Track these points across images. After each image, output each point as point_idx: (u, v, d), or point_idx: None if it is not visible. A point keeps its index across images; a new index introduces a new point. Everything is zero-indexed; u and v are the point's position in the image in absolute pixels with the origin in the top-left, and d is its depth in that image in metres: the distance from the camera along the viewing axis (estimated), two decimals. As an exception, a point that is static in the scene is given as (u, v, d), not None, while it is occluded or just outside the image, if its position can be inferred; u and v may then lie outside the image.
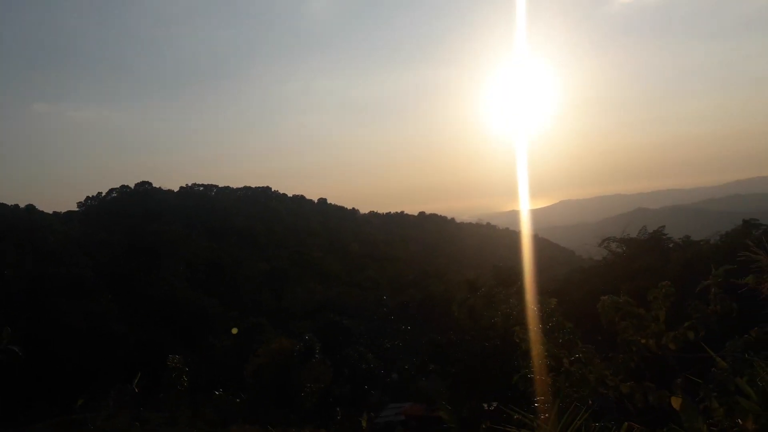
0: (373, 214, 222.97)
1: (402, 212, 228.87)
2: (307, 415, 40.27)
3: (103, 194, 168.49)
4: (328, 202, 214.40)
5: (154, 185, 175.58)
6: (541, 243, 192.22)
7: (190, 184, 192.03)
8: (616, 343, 2.36)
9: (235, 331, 56.55)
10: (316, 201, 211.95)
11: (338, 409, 43.63)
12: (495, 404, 25.04)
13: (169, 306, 65.42)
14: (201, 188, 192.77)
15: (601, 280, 44.14)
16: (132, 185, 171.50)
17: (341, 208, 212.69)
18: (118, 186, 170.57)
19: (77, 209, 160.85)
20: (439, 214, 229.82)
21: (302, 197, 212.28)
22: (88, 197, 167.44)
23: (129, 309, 62.29)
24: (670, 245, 44.65)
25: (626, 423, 2.30)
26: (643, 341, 2.22)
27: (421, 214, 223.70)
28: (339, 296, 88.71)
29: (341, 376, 49.40)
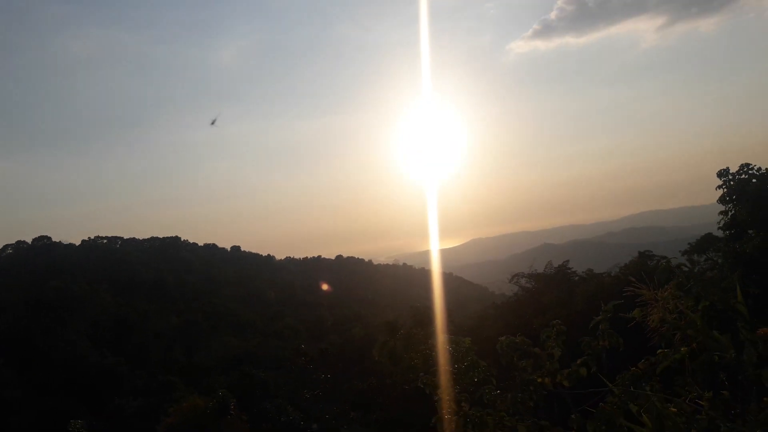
0: (289, 260, 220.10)
1: (319, 256, 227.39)
2: (225, 475, 38.17)
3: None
4: (242, 249, 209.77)
5: (53, 239, 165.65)
6: (455, 281, 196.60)
7: (93, 237, 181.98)
8: (515, 382, 2.42)
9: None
10: (229, 249, 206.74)
11: (258, 465, 41.70)
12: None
13: (72, 368, 60.73)
14: (105, 241, 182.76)
15: (514, 315, 45.62)
16: (29, 240, 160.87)
17: (256, 255, 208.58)
18: (14, 242, 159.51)
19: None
20: (356, 257, 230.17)
21: (214, 246, 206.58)
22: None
23: (28, 373, 57.23)
24: (575, 278, 46.92)
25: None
26: (539, 380, 2.29)
27: (339, 257, 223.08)
28: (256, 347, 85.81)
29: (259, 431, 47.41)
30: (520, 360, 2.36)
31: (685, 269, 2.61)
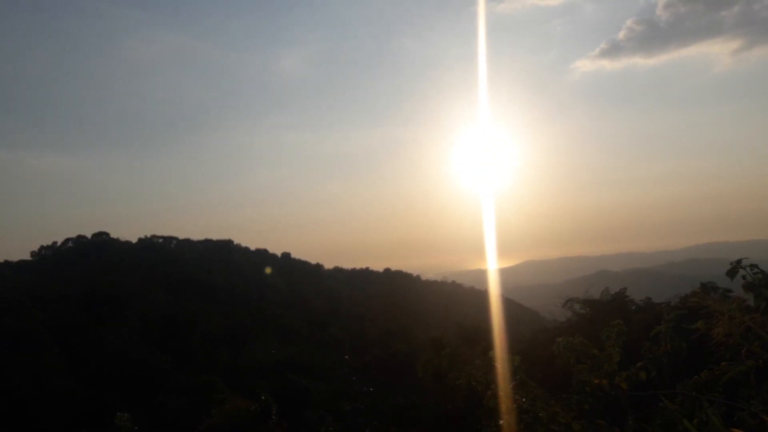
0: (337, 270, 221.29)
1: (367, 268, 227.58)
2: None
3: (59, 244, 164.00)
4: (292, 256, 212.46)
5: (111, 236, 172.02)
6: (506, 302, 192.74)
7: (149, 236, 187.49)
8: (571, 385, 2.31)
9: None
10: (279, 255, 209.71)
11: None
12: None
13: (120, 362, 62.83)
14: (160, 240, 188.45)
15: (565, 340, 44.20)
16: (89, 235, 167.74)
17: (305, 263, 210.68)
18: (75, 236, 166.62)
19: (30, 259, 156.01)
20: (404, 271, 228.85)
21: (265, 251, 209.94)
22: (42, 247, 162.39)
23: (78, 363, 59.57)
24: (633, 307, 45.21)
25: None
26: (596, 381, 2.18)
27: (387, 270, 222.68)
28: (299, 355, 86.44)
29: (299, 439, 47.53)
30: (577, 363, 2.25)
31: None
